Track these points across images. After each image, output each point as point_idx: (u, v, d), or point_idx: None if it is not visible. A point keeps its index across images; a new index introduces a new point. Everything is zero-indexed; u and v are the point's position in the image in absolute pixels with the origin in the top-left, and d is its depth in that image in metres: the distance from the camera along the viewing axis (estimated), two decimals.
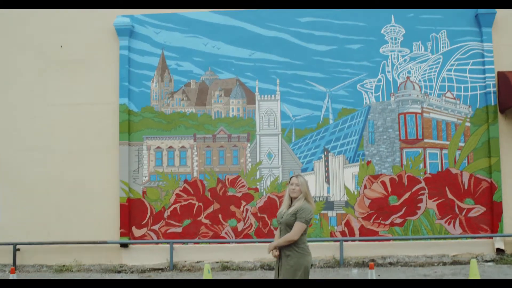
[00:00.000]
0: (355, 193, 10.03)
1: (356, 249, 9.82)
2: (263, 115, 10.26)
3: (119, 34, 10.34)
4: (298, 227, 5.17)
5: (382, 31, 10.25)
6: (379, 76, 10.22)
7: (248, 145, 10.24)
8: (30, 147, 10.37)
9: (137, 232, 10.15)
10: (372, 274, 6.61)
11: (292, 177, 5.47)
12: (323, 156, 10.14)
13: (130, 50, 10.38)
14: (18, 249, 10.10)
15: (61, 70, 10.50)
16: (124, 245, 10.05)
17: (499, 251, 9.67)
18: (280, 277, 5.25)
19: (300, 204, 5.27)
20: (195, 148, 10.26)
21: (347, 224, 9.98)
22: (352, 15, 10.27)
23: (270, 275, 9.22)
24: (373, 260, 9.60)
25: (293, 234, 5.16)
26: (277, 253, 5.28)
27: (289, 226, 5.24)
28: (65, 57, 10.53)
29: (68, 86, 10.47)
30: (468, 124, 10.08)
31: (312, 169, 10.10)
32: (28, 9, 10.61)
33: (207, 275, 6.84)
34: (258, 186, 10.16)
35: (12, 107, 10.54)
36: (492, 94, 9.96)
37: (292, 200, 5.39)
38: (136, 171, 10.25)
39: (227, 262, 9.85)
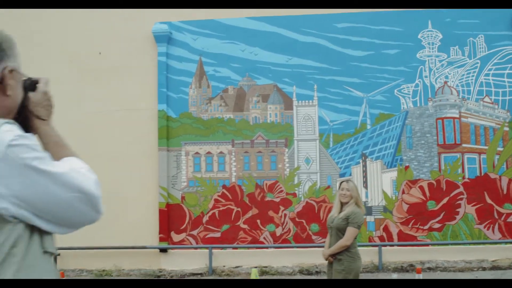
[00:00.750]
0: (393, 198, 10.04)
1: (395, 254, 9.82)
2: (301, 121, 10.31)
3: (157, 41, 10.44)
4: (351, 232, 5.26)
5: (419, 36, 10.26)
6: (417, 81, 10.22)
7: (286, 150, 10.29)
8: None
9: (176, 237, 10.23)
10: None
11: (342, 182, 5.55)
12: (360, 161, 10.17)
13: (168, 56, 10.47)
14: (59, 254, 10.20)
15: (100, 77, 10.62)
16: (163, 250, 10.14)
17: None
18: None
19: (351, 209, 5.35)
20: (233, 153, 10.32)
21: (386, 229, 9.99)
22: (389, 20, 10.28)
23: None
24: (412, 265, 9.61)
25: (346, 239, 5.25)
26: (332, 259, 5.37)
27: (340, 231, 5.32)
28: (103, 64, 10.64)
29: (106, 93, 10.58)
30: (506, 128, 10.06)
31: (350, 174, 10.12)
32: (66, 17, 10.74)
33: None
34: (296, 191, 10.20)
35: None
36: None
37: (342, 204, 5.46)
38: (174, 177, 10.33)
39: (266, 267, 9.89)
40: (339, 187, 5.56)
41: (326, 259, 5.46)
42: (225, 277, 9.71)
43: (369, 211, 10.03)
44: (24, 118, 1.55)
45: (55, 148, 1.48)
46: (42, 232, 1.41)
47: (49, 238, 1.44)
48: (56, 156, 1.47)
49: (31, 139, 1.39)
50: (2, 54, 1.49)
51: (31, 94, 1.59)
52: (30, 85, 1.60)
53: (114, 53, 10.68)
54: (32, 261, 1.36)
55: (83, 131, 10.55)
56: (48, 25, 10.91)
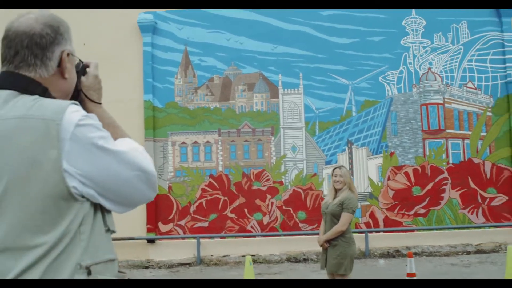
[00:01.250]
0: (379, 184, 10.13)
1: (381, 240, 9.92)
2: (287, 109, 10.34)
3: (142, 31, 10.39)
4: (346, 217, 5.28)
5: (403, 23, 10.33)
6: (401, 68, 10.30)
7: (273, 138, 10.32)
8: None
9: (163, 227, 10.24)
10: (411, 263, 6.65)
11: (335, 168, 5.56)
12: (346, 148, 10.24)
13: (154, 46, 10.43)
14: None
15: None
16: (151, 241, 10.14)
17: None
18: (327, 267, 5.37)
19: (345, 194, 5.36)
20: (219, 142, 10.34)
21: (372, 215, 10.08)
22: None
23: (297, 267, 9.33)
24: (398, 251, 9.71)
25: (342, 225, 5.27)
26: (327, 245, 5.39)
27: (334, 217, 5.33)
28: (88, 55, 10.46)
29: None
30: (489, 113, 10.18)
31: (336, 162, 10.18)
32: (52, 8, 10.63)
33: (248, 267, 6.88)
34: (283, 180, 10.25)
35: None
36: None
37: (336, 191, 5.49)
38: (161, 167, 10.32)
39: (254, 255, 9.93)
40: (332, 173, 5.57)
41: (321, 245, 5.48)
42: (213, 266, 9.74)
43: None
44: (79, 102, 1.55)
45: (110, 129, 1.49)
46: (103, 211, 1.44)
47: (110, 217, 1.48)
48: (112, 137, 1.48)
49: (96, 119, 1.42)
50: (60, 38, 1.52)
51: (83, 78, 1.61)
52: (82, 68, 1.61)
53: (99, 44, 10.57)
54: (97, 239, 1.40)
55: None
56: None
